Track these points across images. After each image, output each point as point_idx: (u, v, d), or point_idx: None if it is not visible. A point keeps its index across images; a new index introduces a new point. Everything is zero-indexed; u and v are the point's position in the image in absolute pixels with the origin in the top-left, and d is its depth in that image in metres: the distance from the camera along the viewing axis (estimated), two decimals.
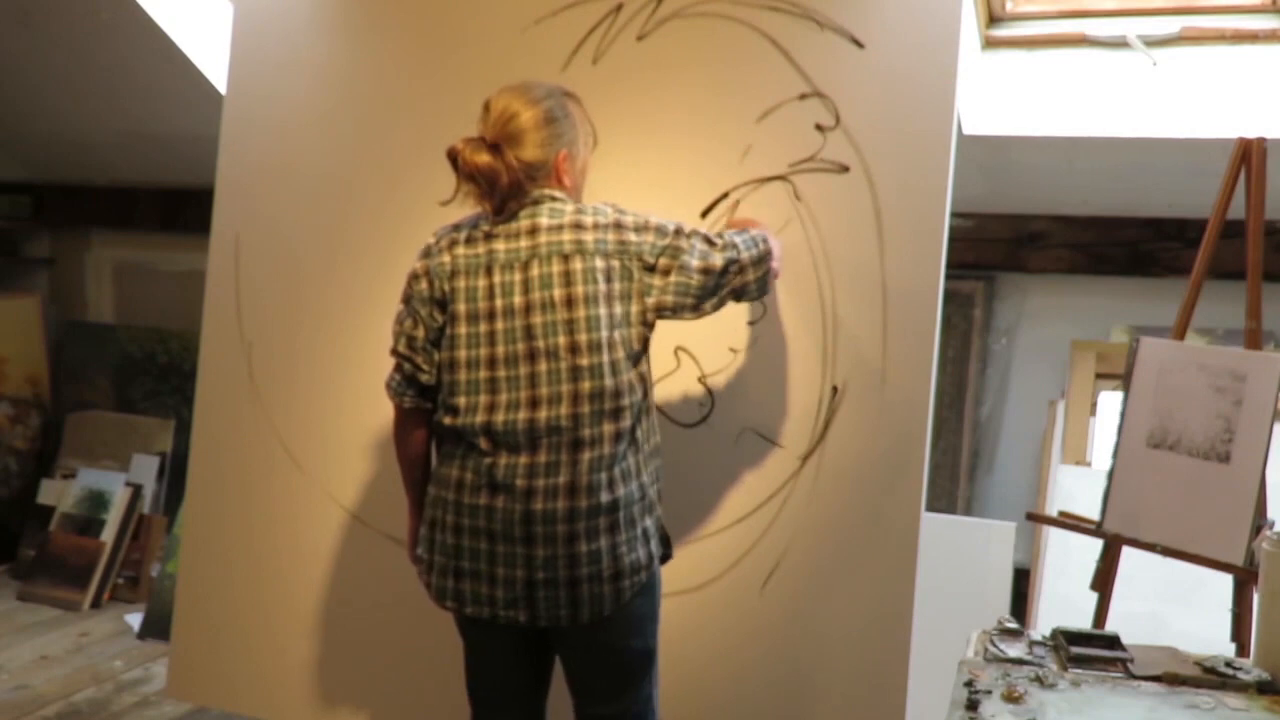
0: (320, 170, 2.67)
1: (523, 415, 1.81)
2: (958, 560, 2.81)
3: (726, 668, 2.31)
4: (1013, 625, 1.77)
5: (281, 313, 2.69)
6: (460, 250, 1.87)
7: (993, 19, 2.95)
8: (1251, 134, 2.23)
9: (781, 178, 2.28)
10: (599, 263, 1.83)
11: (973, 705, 1.48)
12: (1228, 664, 1.65)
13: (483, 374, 1.84)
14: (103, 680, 3.26)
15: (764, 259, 1.97)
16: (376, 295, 2.58)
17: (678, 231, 1.89)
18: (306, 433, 2.65)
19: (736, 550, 2.30)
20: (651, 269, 1.86)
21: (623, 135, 2.40)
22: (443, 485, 1.88)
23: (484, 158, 1.83)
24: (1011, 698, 1.51)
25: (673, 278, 1.87)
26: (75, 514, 4.01)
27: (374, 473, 2.57)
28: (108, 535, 3.93)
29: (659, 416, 2.35)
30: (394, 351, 1.92)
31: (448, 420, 1.86)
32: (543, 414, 1.81)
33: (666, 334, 2.36)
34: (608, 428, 1.83)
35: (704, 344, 2.34)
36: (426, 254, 1.91)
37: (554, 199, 1.89)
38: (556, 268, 1.82)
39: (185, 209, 4.16)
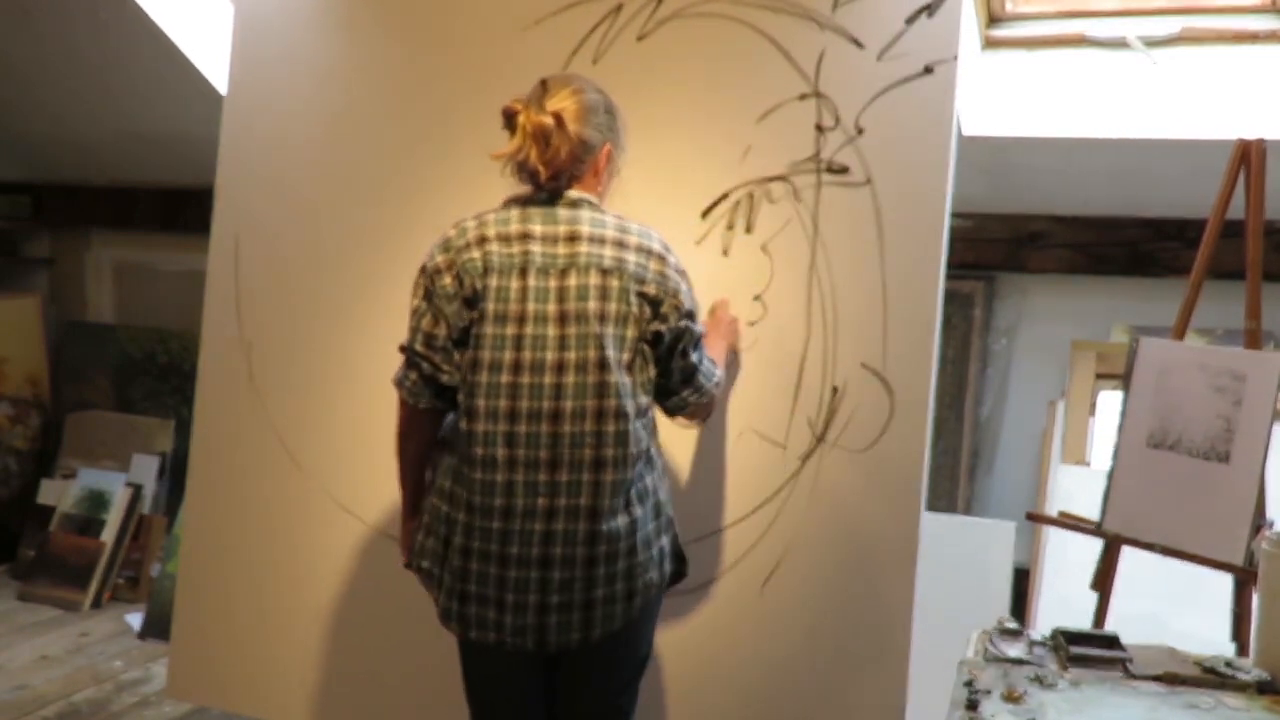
0: (320, 170, 2.67)
1: (545, 428, 1.75)
2: (958, 560, 2.81)
3: (726, 667, 2.31)
4: (1013, 625, 1.77)
5: (281, 313, 2.69)
6: (493, 247, 1.78)
7: (993, 19, 2.96)
8: (1251, 134, 2.24)
9: (781, 178, 2.28)
10: (633, 285, 1.78)
11: (973, 705, 1.48)
12: (1227, 664, 1.65)
13: (505, 378, 1.75)
14: (103, 680, 3.26)
15: (712, 402, 1.98)
16: (376, 295, 2.58)
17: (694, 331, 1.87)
18: (306, 433, 2.65)
19: (736, 550, 2.30)
20: (659, 337, 1.82)
21: None
22: (454, 504, 1.81)
23: (546, 119, 1.78)
24: (1011, 698, 1.51)
25: (676, 363, 1.85)
26: (75, 514, 4.01)
27: (373, 472, 2.57)
28: (108, 535, 3.93)
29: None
30: (408, 349, 1.82)
31: (464, 424, 1.78)
32: (566, 428, 1.75)
33: None
34: (631, 449, 1.79)
35: None
36: (446, 248, 1.81)
37: (592, 204, 1.84)
38: (594, 280, 1.77)
39: (185, 209, 4.16)
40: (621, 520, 1.80)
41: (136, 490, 4.01)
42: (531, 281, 1.76)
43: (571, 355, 1.76)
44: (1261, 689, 1.58)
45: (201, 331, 2.78)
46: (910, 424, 2.18)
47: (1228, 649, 2.12)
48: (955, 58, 2.16)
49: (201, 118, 3.40)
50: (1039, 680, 1.58)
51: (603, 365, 1.76)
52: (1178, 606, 2.62)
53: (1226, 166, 2.25)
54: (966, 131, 2.88)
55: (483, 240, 1.79)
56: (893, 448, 2.19)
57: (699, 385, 1.91)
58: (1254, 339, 2.17)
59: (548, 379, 1.75)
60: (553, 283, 1.77)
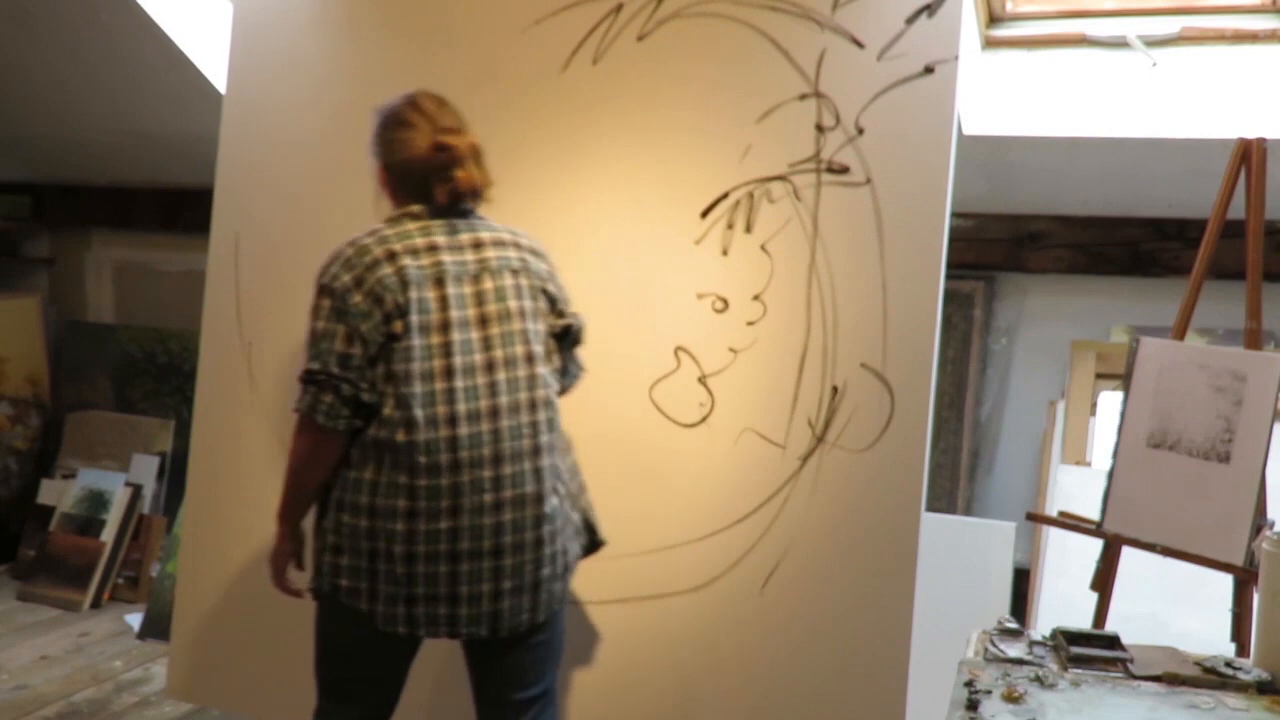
0: (320, 170, 2.67)
1: (485, 426, 1.81)
2: (958, 560, 2.81)
3: (726, 667, 2.31)
4: (1013, 625, 1.77)
5: (281, 312, 2.69)
6: (405, 261, 1.81)
7: (993, 19, 2.96)
8: (1251, 134, 2.24)
9: (781, 178, 2.28)
10: (538, 283, 1.93)
11: (973, 705, 1.48)
12: (1228, 664, 1.65)
13: (439, 385, 1.80)
14: (103, 680, 3.26)
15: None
16: None
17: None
18: None
19: (736, 550, 2.30)
20: (568, 331, 1.98)
21: (623, 135, 2.41)
22: (384, 517, 1.80)
23: (476, 140, 1.90)
24: (1011, 698, 1.51)
25: (569, 348, 2.00)
26: (75, 514, 4.01)
27: None
28: (108, 535, 3.93)
29: (659, 417, 2.37)
30: (321, 372, 1.78)
31: (401, 436, 1.78)
32: (504, 423, 1.83)
33: (667, 334, 2.36)
34: (558, 433, 1.93)
35: (704, 344, 2.34)
36: (350, 266, 1.81)
37: (473, 212, 1.94)
38: (509, 281, 1.88)
39: (185, 209, 4.16)
40: (554, 500, 1.90)
41: (136, 490, 4.01)
42: (449, 290, 1.83)
43: (499, 354, 1.84)
44: (1261, 689, 1.58)
45: (201, 331, 2.78)
46: (910, 424, 2.18)
47: (1228, 649, 2.12)
48: (955, 58, 2.16)
49: (201, 118, 3.40)
50: (1039, 680, 1.57)
51: (530, 359, 1.88)
52: (1178, 606, 2.62)
53: (1227, 166, 2.25)
54: (966, 131, 2.88)
55: (392, 256, 1.82)
56: (893, 448, 2.19)
57: (579, 371, 2.07)
58: (1254, 339, 2.17)
59: (480, 379, 1.82)
60: (468, 289, 1.85)
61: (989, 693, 1.52)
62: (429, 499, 1.79)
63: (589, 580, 2.41)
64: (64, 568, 3.92)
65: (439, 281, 1.82)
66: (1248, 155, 2.22)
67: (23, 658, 3.39)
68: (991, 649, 1.69)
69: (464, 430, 1.80)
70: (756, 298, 2.30)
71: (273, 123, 2.71)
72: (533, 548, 1.86)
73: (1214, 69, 2.74)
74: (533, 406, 1.87)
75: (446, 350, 1.81)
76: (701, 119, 2.34)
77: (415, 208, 1.89)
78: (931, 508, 3.00)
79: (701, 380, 2.34)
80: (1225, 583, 2.18)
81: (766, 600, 2.27)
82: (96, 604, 3.85)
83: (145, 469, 4.07)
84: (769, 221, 2.29)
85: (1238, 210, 2.22)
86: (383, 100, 2.76)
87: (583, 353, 2.06)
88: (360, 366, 1.79)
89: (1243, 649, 2.11)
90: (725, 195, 2.32)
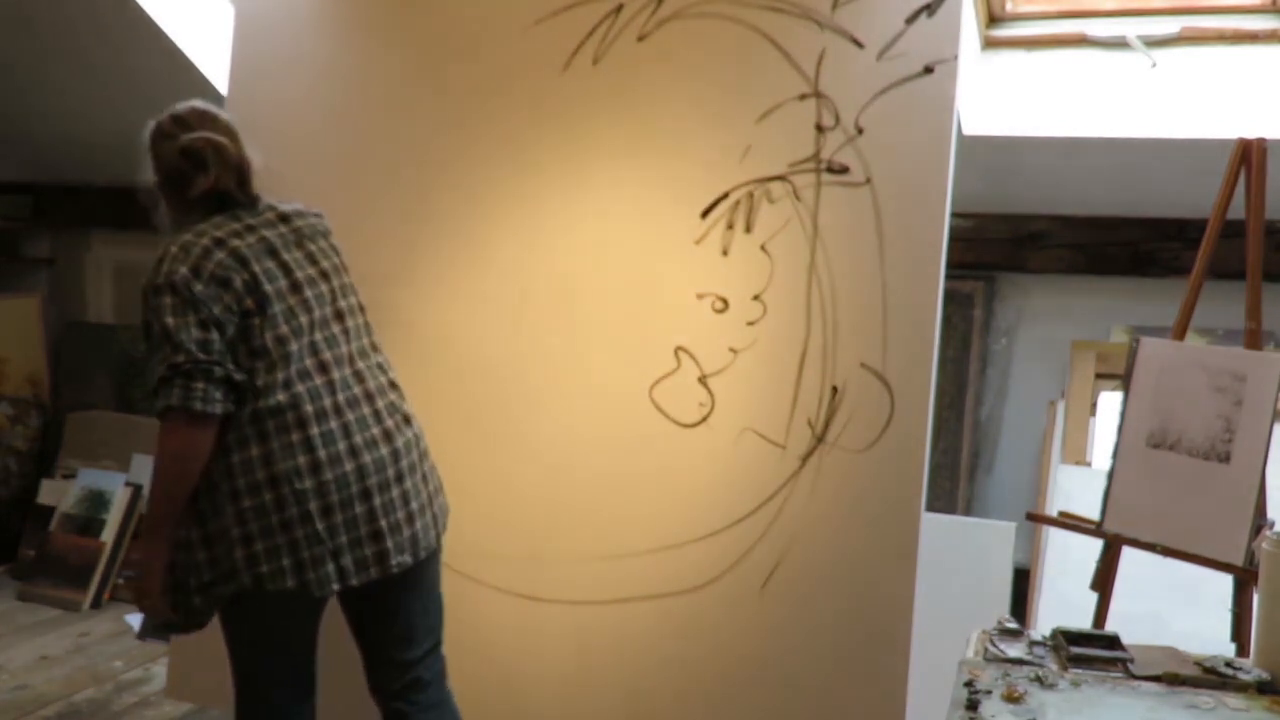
0: (320, 170, 2.67)
1: (348, 369, 1.94)
2: (958, 560, 2.81)
3: (726, 667, 2.31)
4: (1013, 625, 1.77)
5: None
6: (235, 243, 1.87)
7: (993, 19, 2.96)
8: (1251, 134, 2.24)
9: (781, 178, 2.29)
10: (335, 244, 2.07)
11: (973, 705, 1.48)
12: (1228, 664, 1.65)
13: (306, 339, 1.89)
14: (103, 680, 3.26)
15: None
16: (375, 295, 2.58)
17: None
18: None
19: (736, 550, 2.30)
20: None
21: (623, 135, 2.41)
22: (288, 480, 1.81)
23: (242, 148, 1.97)
24: (1011, 698, 1.51)
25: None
26: (75, 514, 4.01)
27: None
28: (108, 535, 3.93)
29: (659, 417, 2.36)
30: (186, 362, 1.75)
31: (281, 396, 1.82)
32: (361, 365, 1.97)
33: (667, 334, 2.37)
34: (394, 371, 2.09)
35: (704, 344, 2.34)
36: (183, 259, 1.81)
37: (261, 200, 2.01)
38: (322, 243, 2.02)
39: None
40: (416, 422, 2.06)
41: (136, 490, 4.01)
42: (285, 256, 1.93)
43: (341, 305, 1.99)
44: (1261, 689, 1.58)
45: None
46: (910, 424, 2.18)
47: (1228, 649, 2.12)
48: (955, 58, 2.16)
49: None
50: (1039, 680, 1.57)
51: (360, 309, 2.05)
52: (1178, 606, 2.62)
53: (1227, 166, 2.25)
54: (966, 131, 2.88)
55: (219, 242, 1.86)
56: (893, 448, 2.19)
57: None
58: (1254, 339, 2.17)
59: (335, 328, 1.96)
60: (298, 253, 1.96)
61: (989, 693, 1.52)
62: (327, 445, 1.86)
63: (589, 580, 2.41)
64: (64, 568, 3.92)
65: (272, 252, 1.91)
66: (1248, 155, 2.22)
67: (23, 658, 3.40)
68: (991, 649, 1.69)
69: (336, 374, 1.92)
70: (756, 298, 2.31)
71: (273, 123, 2.71)
72: (419, 466, 2.01)
73: (1214, 69, 2.75)
74: (374, 349, 2.04)
75: (306, 307, 1.91)
76: (701, 119, 2.34)
77: (201, 209, 1.94)
78: (931, 508, 3.00)
79: (701, 380, 2.34)
80: (1225, 583, 2.18)
81: (766, 600, 2.27)
82: (96, 604, 3.85)
83: (145, 469, 4.06)
84: (769, 221, 2.29)
85: (1238, 210, 2.22)
86: (381, 101, 2.77)
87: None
88: (222, 350, 1.81)
89: (1243, 649, 2.11)
90: (725, 195, 2.33)
